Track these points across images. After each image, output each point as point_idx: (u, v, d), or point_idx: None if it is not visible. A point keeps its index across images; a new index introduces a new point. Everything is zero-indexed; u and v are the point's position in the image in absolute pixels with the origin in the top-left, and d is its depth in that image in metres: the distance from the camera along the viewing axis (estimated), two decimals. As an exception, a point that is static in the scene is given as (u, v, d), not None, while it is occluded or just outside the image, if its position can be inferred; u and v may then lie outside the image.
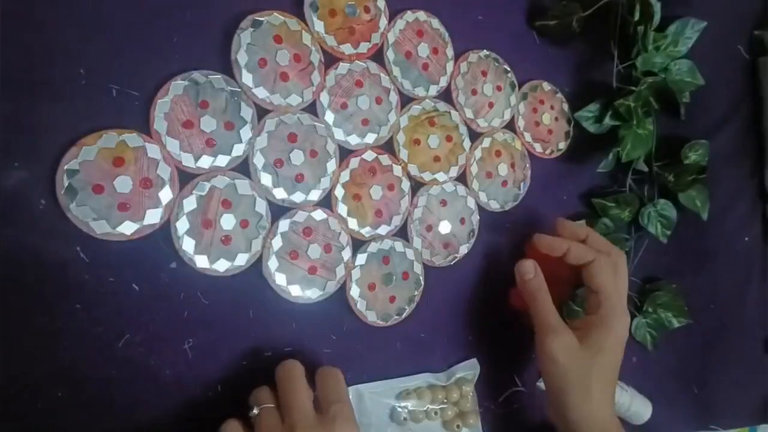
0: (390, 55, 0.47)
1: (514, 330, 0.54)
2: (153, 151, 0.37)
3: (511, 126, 0.55)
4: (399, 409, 0.46)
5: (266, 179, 0.41)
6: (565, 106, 0.58)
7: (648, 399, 0.58)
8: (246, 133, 0.41)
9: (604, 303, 0.46)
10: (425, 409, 0.47)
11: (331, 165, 0.44)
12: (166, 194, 0.38)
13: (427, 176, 0.49)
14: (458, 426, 0.47)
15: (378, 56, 0.47)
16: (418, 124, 0.49)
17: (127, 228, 0.36)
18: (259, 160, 0.41)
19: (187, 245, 0.38)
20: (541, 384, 0.51)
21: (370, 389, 0.46)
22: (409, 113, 0.48)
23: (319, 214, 0.44)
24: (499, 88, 0.53)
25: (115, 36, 0.37)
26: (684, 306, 0.61)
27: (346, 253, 0.45)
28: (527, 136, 0.55)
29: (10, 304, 0.34)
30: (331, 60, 0.45)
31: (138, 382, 0.38)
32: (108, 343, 0.34)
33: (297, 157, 0.43)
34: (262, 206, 0.41)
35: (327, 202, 0.45)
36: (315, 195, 0.44)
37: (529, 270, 0.48)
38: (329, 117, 0.44)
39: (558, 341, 0.44)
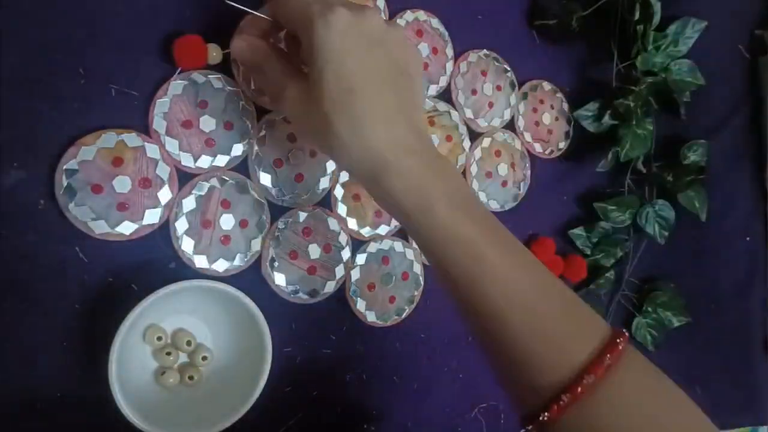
0: (389, 54, 0.47)
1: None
2: (152, 150, 0.37)
3: (510, 126, 0.55)
4: None
5: (265, 179, 0.41)
6: (565, 106, 0.58)
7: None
8: (245, 132, 0.41)
9: (300, 34, 0.34)
10: None
11: (331, 165, 0.44)
12: (165, 194, 0.38)
13: (426, 176, 0.49)
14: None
15: (377, 56, 0.47)
16: (417, 124, 0.49)
17: (126, 228, 0.36)
18: (258, 160, 0.41)
19: (187, 245, 0.38)
20: None
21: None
22: (408, 113, 0.48)
23: (318, 214, 0.44)
24: (498, 88, 0.53)
25: (114, 36, 0.37)
26: (683, 304, 0.61)
27: (346, 253, 0.45)
28: (527, 136, 0.55)
29: (9, 303, 0.34)
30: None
31: (137, 382, 0.37)
32: (107, 342, 0.34)
33: (296, 156, 0.43)
34: (261, 206, 0.41)
35: (326, 201, 0.44)
36: (314, 195, 0.44)
37: (239, 48, 0.37)
38: (329, 117, 0.44)
39: (282, 99, 0.35)
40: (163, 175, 0.38)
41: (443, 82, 0.50)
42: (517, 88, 0.55)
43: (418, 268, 0.48)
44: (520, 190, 0.55)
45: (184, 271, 0.38)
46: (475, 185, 0.52)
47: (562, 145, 0.58)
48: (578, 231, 0.58)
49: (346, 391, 0.46)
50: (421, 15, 0.49)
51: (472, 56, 0.52)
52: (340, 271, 0.44)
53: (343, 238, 0.45)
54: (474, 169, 0.52)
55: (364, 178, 0.33)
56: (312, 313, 0.44)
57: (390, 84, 0.33)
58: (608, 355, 0.30)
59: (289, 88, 0.34)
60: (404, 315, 0.48)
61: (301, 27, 0.33)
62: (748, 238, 0.66)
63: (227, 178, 0.40)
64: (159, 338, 0.38)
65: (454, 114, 0.51)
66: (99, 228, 0.36)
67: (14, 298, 0.34)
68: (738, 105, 0.65)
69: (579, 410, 0.29)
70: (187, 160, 0.39)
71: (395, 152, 0.32)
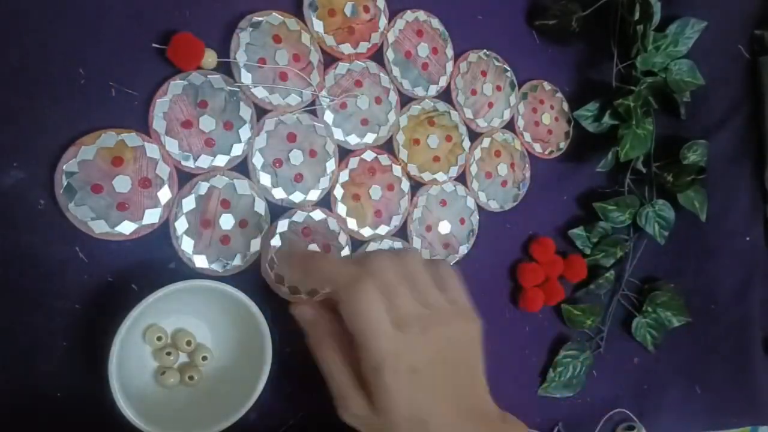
0: (389, 54, 0.47)
1: (515, 330, 0.54)
2: (152, 150, 0.37)
3: (510, 126, 0.55)
4: None
5: (265, 179, 0.41)
6: (565, 106, 0.58)
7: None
8: (245, 132, 0.41)
9: (361, 356, 0.32)
10: None
11: (331, 165, 0.44)
12: (165, 194, 0.38)
13: (426, 176, 0.49)
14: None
15: (378, 56, 0.47)
16: (417, 124, 0.49)
17: (126, 228, 0.36)
18: (258, 160, 0.41)
19: (186, 245, 0.38)
20: None
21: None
22: (408, 113, 0.48)
23: (318, 214, 0.44)
24: (498, 88, 0.53)
25: (114, 36, 0.37)
26: (683, 304, 0.61)
27: (346, 254, 0.45)
28: (527, 136, 0.55)
29: (9, 303, 0.34)
30: (330, 60, 0.45)
31: (137, 382, 0.37)
32: (107, 342, 0.34)
33: (296, 156, 0.43)
34: (261, 206, 0.41)
35: (326, 202, 0.44)
36: (314, 195, 0.44)
37: (304, 315, 0.37)
38: (329, 117, 0.44)
39: (347, 415, 0.35)
40: (163, 175, 0.38)
41: (443, 82, 0.50)
42: (517, 88, 0.55)
43: (418, 268, 0.48)
44: (520, 190, 0.55)
45: (184, 271, 0.39)
46: (475, 185, 0.52)
47: (562, 145, 0.58)
48: (578, 231, 0.58)
49: (346, 391, 0.46)
50: (421, 15, 0.49)
51: (472, 56, 0.52)
52: (340, 271, 0.44)
53: (343, 238, 0.45)
54: (474, 169, 0.52)
55: None
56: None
57: (458, 388, 0.34)
58: None
59: (353, 403, 0.34)
60: (404, 315, 0.48)
61: (367, 370, 0.32)
62: (748, 238, 0.66)
63: (227, 178, 0.40)
64: (159, 338, 0.38)
65: (454, 114, 0.51)
66: (99, 228, 0.36)
67: (14, 298, 0.34)
68: (738, 105, 0.65)
69: None
70: (187, 160, 0.39)
71: None
